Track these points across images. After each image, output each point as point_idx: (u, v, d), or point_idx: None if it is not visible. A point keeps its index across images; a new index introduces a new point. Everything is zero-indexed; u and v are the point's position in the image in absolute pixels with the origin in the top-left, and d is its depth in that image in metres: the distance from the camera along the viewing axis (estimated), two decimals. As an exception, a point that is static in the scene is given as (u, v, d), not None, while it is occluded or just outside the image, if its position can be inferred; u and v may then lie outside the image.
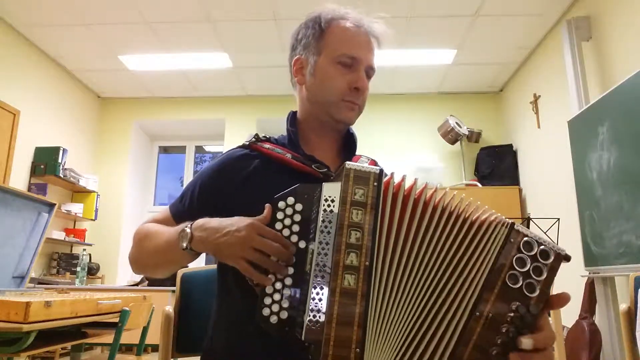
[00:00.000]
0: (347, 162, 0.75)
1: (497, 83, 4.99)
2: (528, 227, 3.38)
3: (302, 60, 1.01)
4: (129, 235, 5.12)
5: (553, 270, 0.70)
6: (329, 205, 0.74)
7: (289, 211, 0.77)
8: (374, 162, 1.04)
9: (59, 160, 4.27)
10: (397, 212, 0.73)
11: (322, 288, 0.70)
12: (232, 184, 0.93)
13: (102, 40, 4.19)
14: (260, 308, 0.73)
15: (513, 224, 0.73)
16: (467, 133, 4.82)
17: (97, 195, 4.90)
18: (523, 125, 4.54)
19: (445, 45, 4.26)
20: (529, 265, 0.70)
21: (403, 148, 5.02)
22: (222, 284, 0.95)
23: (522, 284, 0.69)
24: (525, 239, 0.71)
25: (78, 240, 4.70)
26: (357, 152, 1.07)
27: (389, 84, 5.00)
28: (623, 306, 1.45)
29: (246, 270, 0.76)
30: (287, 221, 0.77)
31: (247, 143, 0.99)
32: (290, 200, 0.78)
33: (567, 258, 0.71)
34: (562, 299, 0.70)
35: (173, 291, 2.76)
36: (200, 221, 0.84)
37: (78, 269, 3.36)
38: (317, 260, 0.72)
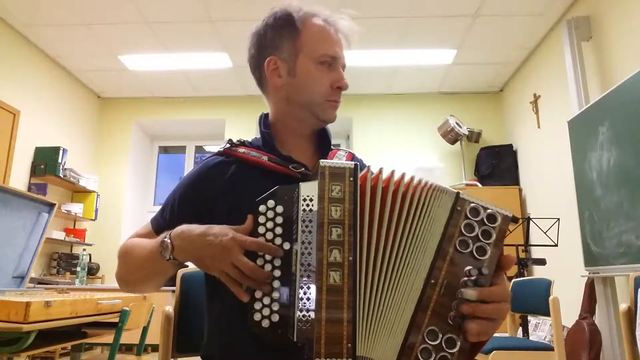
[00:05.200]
0: (322, 160, 0.75)
1: (497, 83, 4.99)
2: (528, 227, 3.38)
3: (276, 60, 0.97)
4: (129, 235, 5.10)
5: (502, 232, 0.72)
6: (307, 205, 0.74)
7: (270, 214, 0.77)
8: (351, 155, 1.04)
9: (59, 160, 4.27)
10: (377, 205, 0.74)
11: (308, 287, 0.71)
12: (211, 192, 0.92)
13: (102, 40, 4.19)
14: (251, 313, 0.73)
15: (458, 193, 0.74)
16: (467, 133, 4.82)
17: (97, 195, 4.90)
18: (523, 125, 4.54)
19: (445, 45, 4.26)
20: (477, 230, 0.72)
21: (403, 148, 5.02)
22: (210, 289, 0.93)
23: (472, 249, 0.71)
24: (472, 205, 0.73)
25: (78, 240, 4.70)
26: (355, 153, 1.06)
27: (389, 84, 5.01)
28: (623, 306, 1.45)
29: (228, 282, 0.76)
30: (270, 224, 0.77)
31: (222, 149, 0.97)
32: (271, 203, 0.77)
33: (515, 219, 0.74)
34: (509, 259, 0.73)
35: (173, 291, 2.75)
36: (178, 229, 0.82)
37: (78, 269, 3.36)
38: (301, 260, 0.72)
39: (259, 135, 1.02)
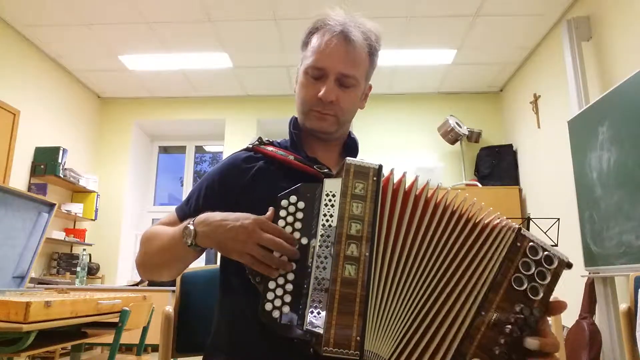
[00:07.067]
0: (348, 158, 0.77)
1: (497, 83, 4.99)
2: (528, 227, 3.38)
3: (298, 69, 1.05)
4: (129, 235, 5.12)
5: (556, 276, 0.72)
6: (330, 200, 0.76)
7: (291, 209, 0.79)
8: None
9: (59, 160, 4.27)
10: (398, 207, 0.75)
11: (323, 279, 0.71)
12: (237, 185, 0.95)
13: (102, 40, 4.19)
14: (262, 303, 0.74)
15: (520, 228, 0.74)
16: (467, 133, 4.82)
17: (97, 195, 4.90)
18: (523, 125, 4.54)
19: (445, 45, 4.26)
20: (533, 269, 0.72)
21: (403, 148, 5.02)
22: (225, 282, 0.96)
23: (526, 287, 0.71)
24: (531, 244, 0.73)
25: (78, 240, 4.69)
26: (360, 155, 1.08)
27: (389, 84, 5.01)
28: (623, 306, 1.45)
29: (250, 264, 0.77)
30: (290, 219, 0.79)
31: (251, 146, 1.01)
32: (293, 198, 0.79)
33: (569, 265, 0.73)
34: (561, 306, 0.72)
35: (173, 291, 2.75)
36: (202, 216, 0.84)
37: (78, 269, 3.36)
38: (318, 253, 0.73)
39: (286, 137, 1.07)
